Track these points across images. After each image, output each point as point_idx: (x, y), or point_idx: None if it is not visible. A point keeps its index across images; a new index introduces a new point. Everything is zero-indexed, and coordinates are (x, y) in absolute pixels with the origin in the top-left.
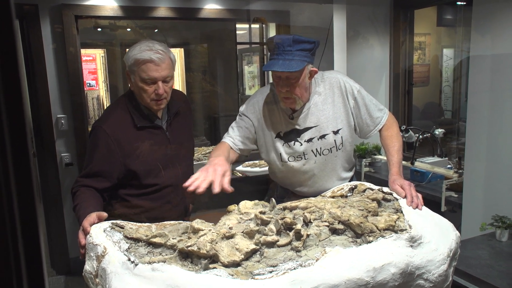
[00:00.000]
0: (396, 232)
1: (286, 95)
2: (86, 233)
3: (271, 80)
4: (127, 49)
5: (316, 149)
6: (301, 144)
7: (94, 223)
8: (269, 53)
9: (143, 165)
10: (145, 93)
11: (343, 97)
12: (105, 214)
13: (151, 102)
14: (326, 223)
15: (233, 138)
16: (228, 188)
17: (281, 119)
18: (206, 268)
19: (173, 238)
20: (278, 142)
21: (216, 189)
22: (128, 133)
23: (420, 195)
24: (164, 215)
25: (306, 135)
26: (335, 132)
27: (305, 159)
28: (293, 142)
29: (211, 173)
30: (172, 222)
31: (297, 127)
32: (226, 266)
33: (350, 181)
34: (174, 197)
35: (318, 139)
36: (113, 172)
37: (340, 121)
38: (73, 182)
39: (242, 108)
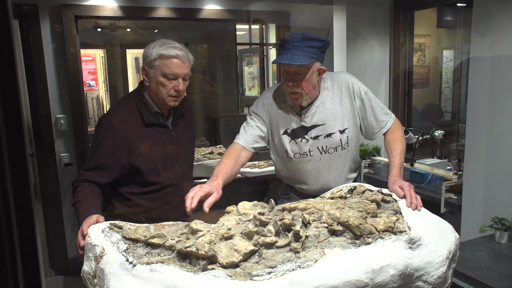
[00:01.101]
0: (395, 233)
1: (293, 89)
2: (84, 235)
3: (271, 82)
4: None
5: (322, 147)
6: (308, 141)
7: None
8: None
9: (147, 162)
10: (164, 89)
11: (351, 97)
12: (102, 219)
13: (168, 98)
14: (325, 224)
15: (245, 138)
16: (205, 208)
17: (289, 116)
18: (204, 269)
19: (171, 239)
20: (285, 138)
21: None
22: (135, 128)
23: (419, 197)
24: (164, 216)
25: (313, 133)
26: (341, 131)
27: (310, 156)
28: (300, 139)
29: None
30: (170, 222)
31: (304, 124)
32: (224, 267)
33: (354, 181)
34: (175, 198)
35: (324, 138)
36: (117, 166)
37: (347, 120)
38: (72, 182)
39: (252, 107)
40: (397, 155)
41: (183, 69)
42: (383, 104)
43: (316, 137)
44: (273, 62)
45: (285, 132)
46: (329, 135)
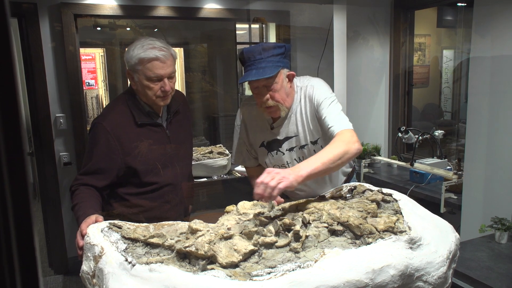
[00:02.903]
0: (395, 233)
1: (268, 104)
2: (83, 235)
3: None
4: (126, 49)
5: (299, 157)
6: (283, 154)
7: None
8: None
9: (143, 162)
10: (151, 91)
11: (312, 105)
12: (101, 219)
13: (157, 99)
14: (325, 224)
15: (247, 162)
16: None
17: (263, 128)
18: (204, 269)
19: (171, 239)
20: (262, 151)
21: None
22: (128, 130)
23: (277, 188)
24: (163, 215)
25: (287, 145)
26: (314, 142)
27: (289, 168)
28: (275, 151)
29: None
30: (170, 222)
31: (278, 137)
32: (224, 267)
33: (347, 180)
34: (173, 197)
35: (299, 149)
36: (113, 169)
37: (317, 131)
38: (72, 181)
39: (236, 124)
40: (317, 155)
41: (165, 69)
42: (343, 115)
43: (291, 149)
44: (240, 82)
45: (262, 145)
46: (302, 147)
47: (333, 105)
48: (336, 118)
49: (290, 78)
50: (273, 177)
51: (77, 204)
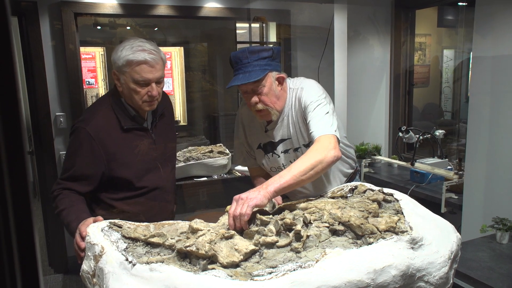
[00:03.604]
0: (397, 233)
1: (257, 107)
2: (83, 236)
3: None
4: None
5: (294, 159)
6: (279, 156)
7: None
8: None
9: (129, 168)
10: (137, 95)
11: (301, 109)
12: (101, 218)
13: (143, 104)
14: (326, 224)
15: (248, 162)
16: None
17: (259, 130)
18: (204, 269)
19: (171, 238)
20: (260, 153)
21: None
22: (113, 135)
23: (244, 217)
24: (150, 219)
25: (282, 147)
26: (306, 145)
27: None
28: (271, 154)
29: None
30: (170, 221)
31: (272, 139)
32: (225, 267)
33: (349, 180)
34: (161, 200)
35: (293, 151)
36: (96, 175)
37: (307, 135)
38: (52, 191)
39: (236, 122)
40: (287, 170)
41: (154, 73)
42: (328, 119)
43: (286, 151)
44: (227, 87)
45: (259, 147)
46: (296, 149)
47: (318, 108)
48: (318, 123)
49: (280, 81)
50: (241, 205)
51: (65, 209)
